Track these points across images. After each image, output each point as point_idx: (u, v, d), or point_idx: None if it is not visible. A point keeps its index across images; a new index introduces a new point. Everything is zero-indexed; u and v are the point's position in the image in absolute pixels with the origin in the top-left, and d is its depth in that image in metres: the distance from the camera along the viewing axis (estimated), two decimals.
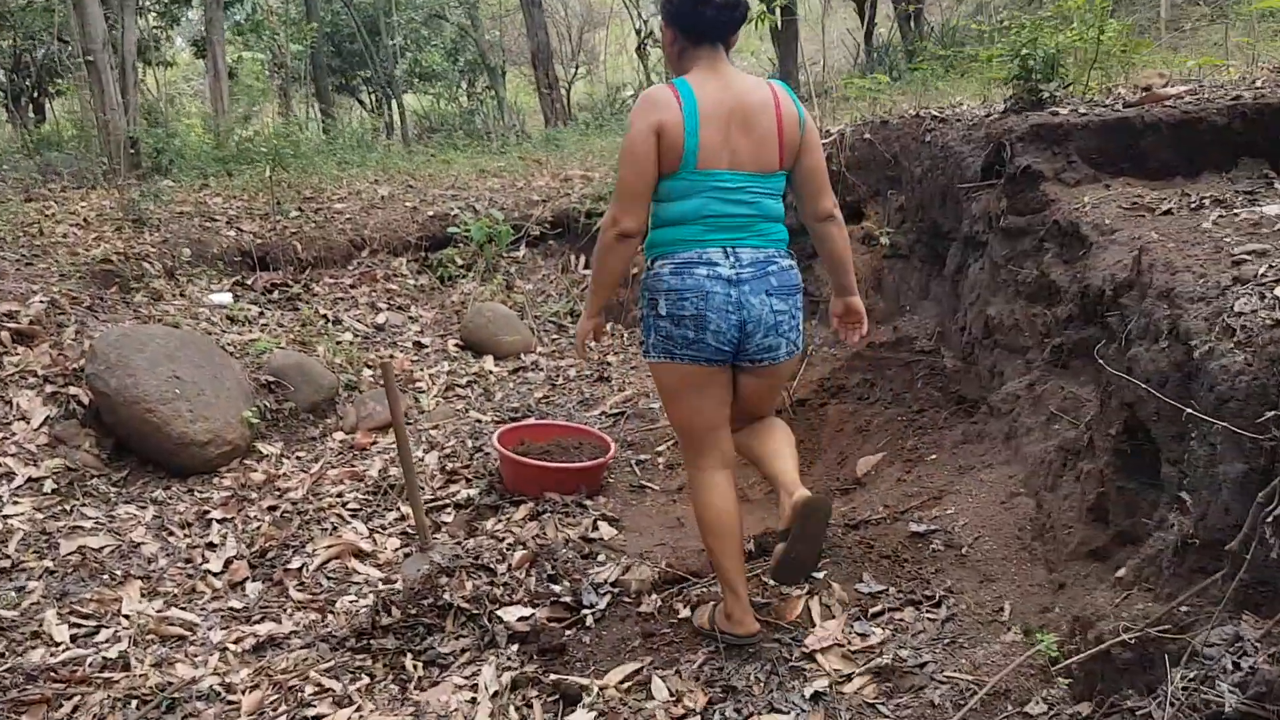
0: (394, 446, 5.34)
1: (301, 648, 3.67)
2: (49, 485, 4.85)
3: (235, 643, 3.75)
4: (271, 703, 3.33)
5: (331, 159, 11.65)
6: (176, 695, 3.38)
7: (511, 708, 3.08)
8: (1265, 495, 2.06)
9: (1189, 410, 2.31)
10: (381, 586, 4.11)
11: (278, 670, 3.50)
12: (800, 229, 3.20)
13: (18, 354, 5.49)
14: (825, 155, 5.65)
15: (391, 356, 6.74)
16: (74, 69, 10.72)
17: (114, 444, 5.27)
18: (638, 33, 17.34)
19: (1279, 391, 2.17)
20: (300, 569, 4.30)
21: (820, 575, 3.34)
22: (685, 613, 3.36)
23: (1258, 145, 3.83)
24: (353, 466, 5.27)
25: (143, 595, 4.14)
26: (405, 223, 8.47)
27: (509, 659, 3.34)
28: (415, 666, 3.41)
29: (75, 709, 3.37)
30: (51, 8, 11.97)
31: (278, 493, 5.00)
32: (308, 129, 17.10)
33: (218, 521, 4.73)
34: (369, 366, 6.53)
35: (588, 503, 4.60)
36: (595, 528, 4.35)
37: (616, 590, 3.59)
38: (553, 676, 3.14)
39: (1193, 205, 3.50)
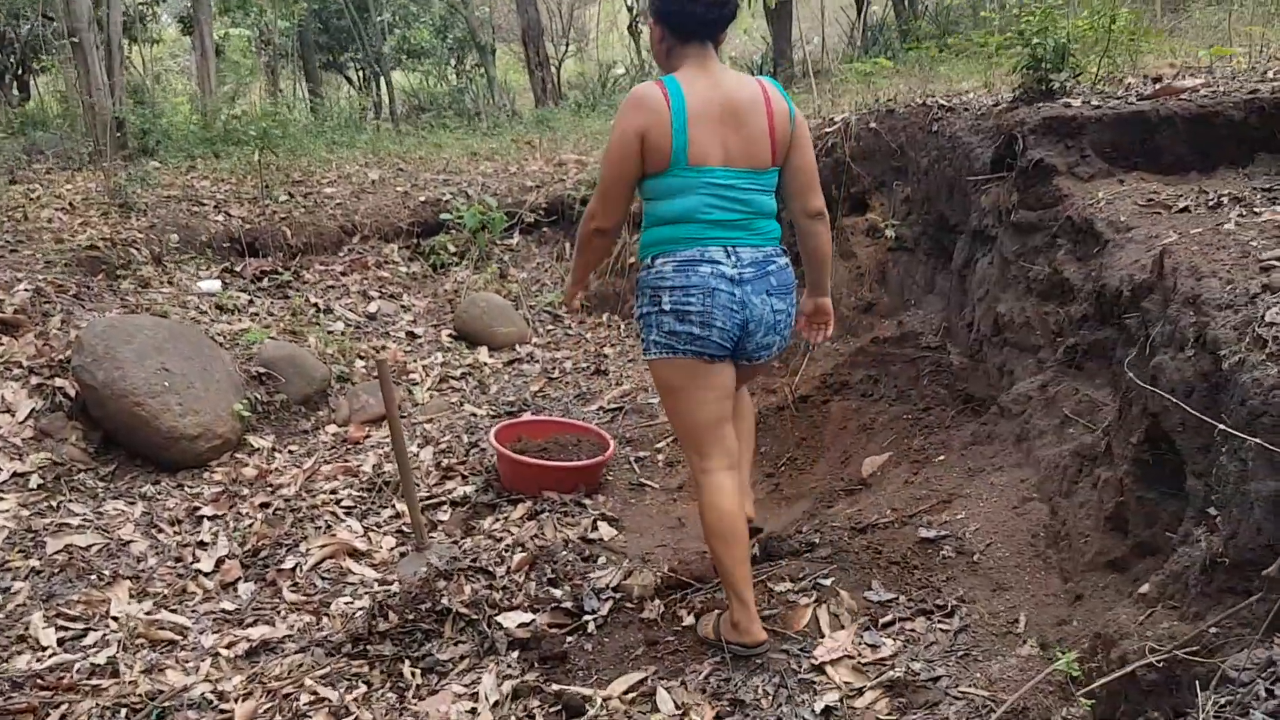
0: (388, 440, 5.25)
1: (296, 653, 3.57)
2: (35, 480, 4.74)
3: (227, 647, 3.66)
4: (265, 711, 3.25)
5: (320, 140, 11.50)
6: (167, 704, 3.29)
7: (513, 718, 3.00)
8: None
9: (1221, 426, 2.23)
10: (377, 588, 4.02)
11: (271, 677, 3.41)
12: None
13: (2, 344, 5.37)
14: (830, 144, 5.61)
15: (384, 347, 6.63)
16: (59, 49, 10.51)
17: (101, 437, 5.15)
18: (629, 10, 17.16)
19: None
20: (294, 569, 4.20)
21: (828, 582, 3.26)
22: (689, 620, 3.28)
23: (1275, 141, 3.75)
24: (346, 461, 5.17)
25: (132, 596, 4.04)
26: (396, 208, 8.33)
27: (509, 667, 3.26)
28: (413, 674, 3.32)
29: (63, 718, 3.28)
30: None
31: (270, 489, 4.90)
32: (295, 108, 16.91)
33: (208, 519, 4.63)
34: (361, 357, 6.42)
35: (587, 502, 4.52)
36: (595, 528, 4.27)
37: (618, 595, 3.51)
38: (555, 686, 3.06)
39: (1211, 203, 3.42)
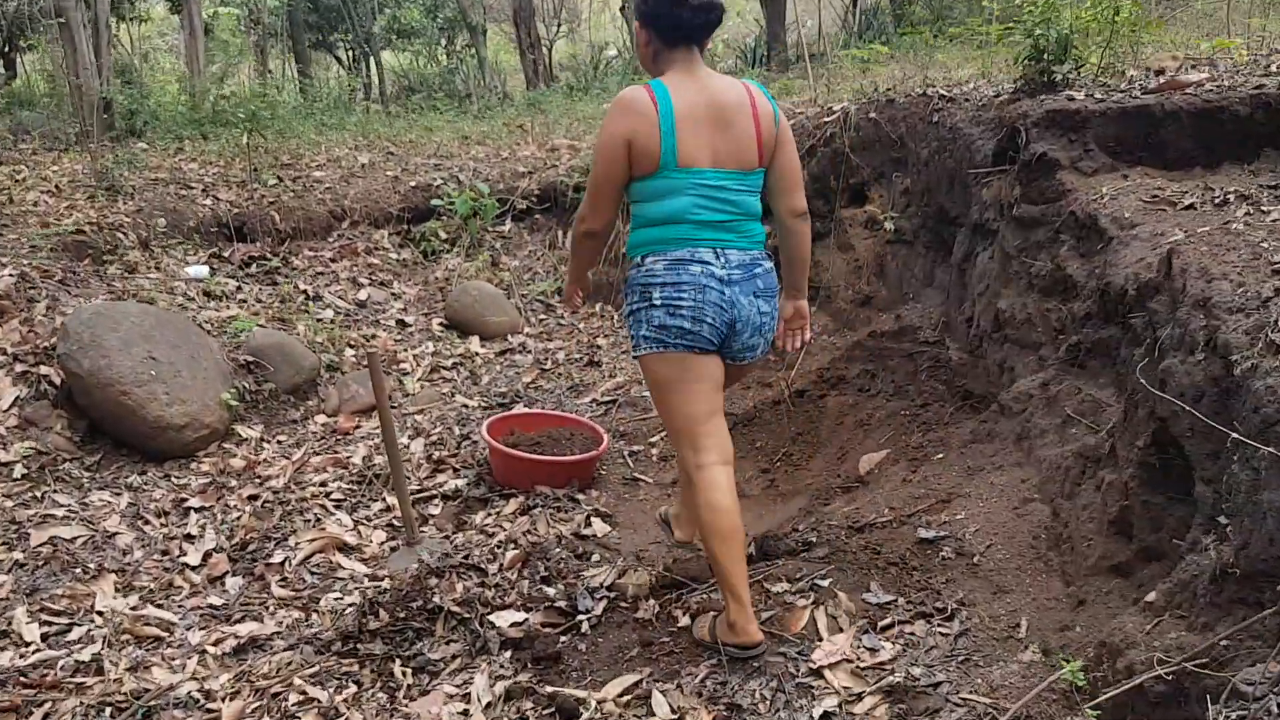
0: (378, 431, 5.18)
1: (285, 650, 3.52)
2: (19, 470, 4.67)
3: (215, 644, 3.60)
4: (254, 711, 3.19)
5: (309, 122, 11.37)
6: (153, 703, 3.23)
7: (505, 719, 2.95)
8: None
9: (1235, 435, 2.18)
10: (367, 583, 3.96)
11: (259, 675, 3.35)
12: None
13: None
14: (829, 134, 5.54)
15: (374, 336, 6.55)
16: (45, 28, 10.36)
17: (87, 426, 5.08)
18: None
19: None
20: (282, 563, 4.14)
21: (826, 583, 3.21)
22: (685, 621, 3.23)
23: None
24: (335, 453, 5.10)
25: (118, 590, 3.98)
26: (386, 193, 8.24)
27: (502, 667, 3.21)
28: (404, 673, 3.27)
29: (46, 716, 3.22)
30: None
31: (258, 480, 4.83)
32: (284, 89, 16.73)
33: (195, 511, 4.57)
34: (351, 346, 6.35)
35: (580, 497, 4.46)
36: (588, 523, 4.22)
37: (613, 595, 3.45)
38: (548, 688, 3.00)
39: (1217, 201, 3.37)
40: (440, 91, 17.47)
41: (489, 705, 3.02)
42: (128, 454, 5.04)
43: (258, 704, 3.22)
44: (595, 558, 3.84)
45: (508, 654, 3.26)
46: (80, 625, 3.72)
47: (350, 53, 22.21)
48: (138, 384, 4.92)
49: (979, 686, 2.64)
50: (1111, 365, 3.28)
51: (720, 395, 3.10)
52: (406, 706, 3.10)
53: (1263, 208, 3.15)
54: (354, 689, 3.22)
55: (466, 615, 3.45)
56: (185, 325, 5.53)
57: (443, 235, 7.89)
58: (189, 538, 4.36)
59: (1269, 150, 3.70)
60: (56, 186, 7.67)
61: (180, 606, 3.87)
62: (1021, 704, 2.46)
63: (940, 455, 3.88)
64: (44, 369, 5.14)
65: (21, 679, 3.37)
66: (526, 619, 3.40)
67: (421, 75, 20.41)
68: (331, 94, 16.46)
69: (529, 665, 3.17)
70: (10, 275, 5.78)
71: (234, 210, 7.53)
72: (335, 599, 3.85)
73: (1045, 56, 4.40)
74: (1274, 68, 4.37)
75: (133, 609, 3.83)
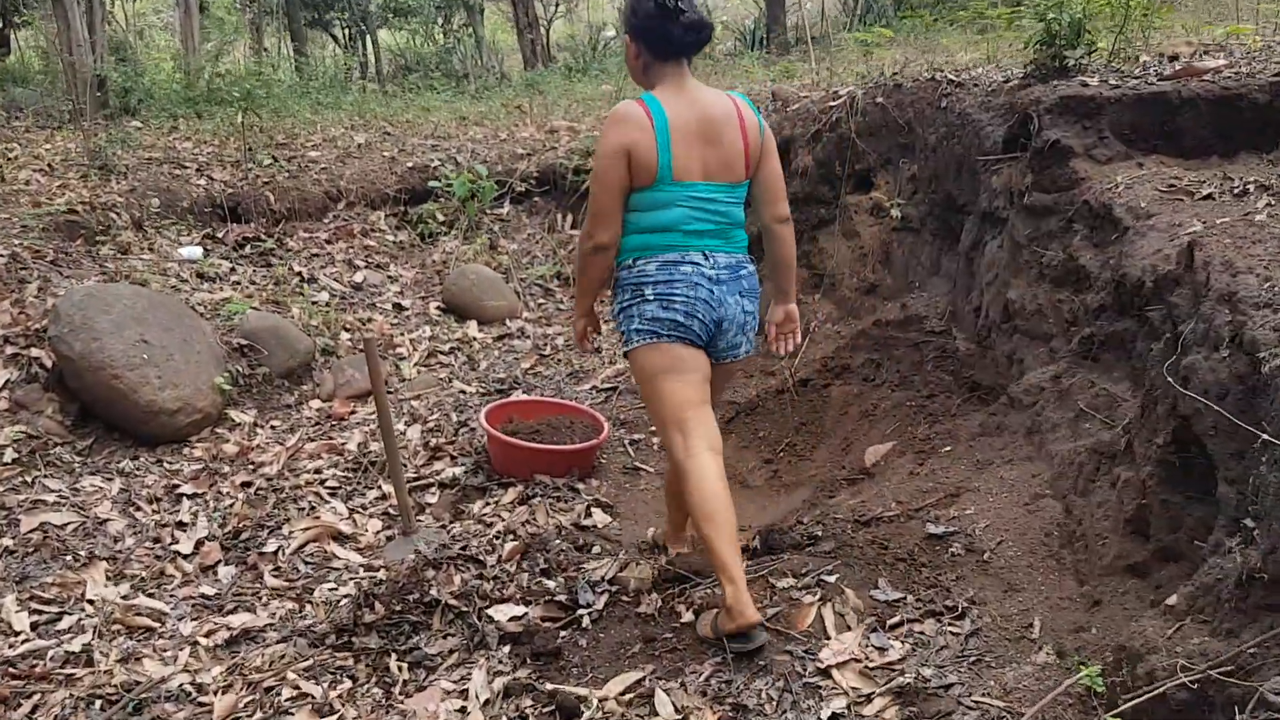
0: (374, 417, 5.11)
1: (278, 642, 3.45)
2: (9, 454, 4.59)
3: (207, 635, 3.53)
4: (246, 705, 3.12)
5: (305, 101, 11.24)
6: (144, 696, 3.16)
7: (504, 719, 2.88)
8: None
9: (1265, 437, 2.10)
10: (362, 574, 3.89)
11: (252, 668, 3.29)
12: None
13: None
14: (835, 119, 5.45)
15: (370, 319, 6.46)
16: (39, 4, 10.22)
17: (79, 410, 4.99)
18: None
19: None
20: (276, 552, 4.07)
21: (833, 579, 3.14)
22: (688, 616, 3.15)
23: None
24: (330, 439, 5.02)
25: (109, 579, 3.91)
26: (383, 174, 8.12)
27: (500, 662, 3.13)
28: (400, 668, 3.20)
29: (35, 709, 3.16)
30: None
31: (251, 467, 4.75)
32: (280, 67, 16.57)
33: (188, 497, 4.49)
34: (347, 329, 6.25)
35: (580, 486, 4.38)
36: (589, 514, 4.15)
37: (614, 588, 3.37)
38: (549, 685, 2.93)
39: (1236, 190, 3.30)
40: (437, 71, 17.32)
41: (487, 702, 2.95)
42: (120, 438, 4.95)
43: (250, 698, 3.15)
44: (596, 549, 3.77)
45: (506, 649, 3.18)
46: (70, 614, 3.66)
47: (346, 31, 22.01)
48: (130, 367, 4.83)
49: (992, 689, 2.57)
50: (1127, 359, 3.21)
51: (708, 389, 3.17)
52: (402, 703, 3.03)
53: None
54: (348, 684, 3.16)
55: (464, 608, 3.38)
56: (178, 307, 5.44)
57: (440, 217, 7.78)
58: (181, 525, 4.29)
59: None
60: (49, 165, 7.57)
61: (172, 596, 3.80)
62: (1038, 708, 2.40)
63: (948, 448, 3.80)
64: (35, 351, 5.05)
65: (10, 670, 3.31)
66: (526, 613, 3.33)
67: (418, 54, 20.24)
68: (327, 73, 16.31)
69: (528, 661, 3.10)
70: (1, 255, 5.69)
71: (228, 190, 7.42)
72: (329, 590, 3.78)
73: (1057, 41, 4.30)
74: None
75: (124, 598, 3.76)
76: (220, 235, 7.03)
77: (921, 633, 2.87)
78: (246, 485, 4.57)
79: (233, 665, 3.32)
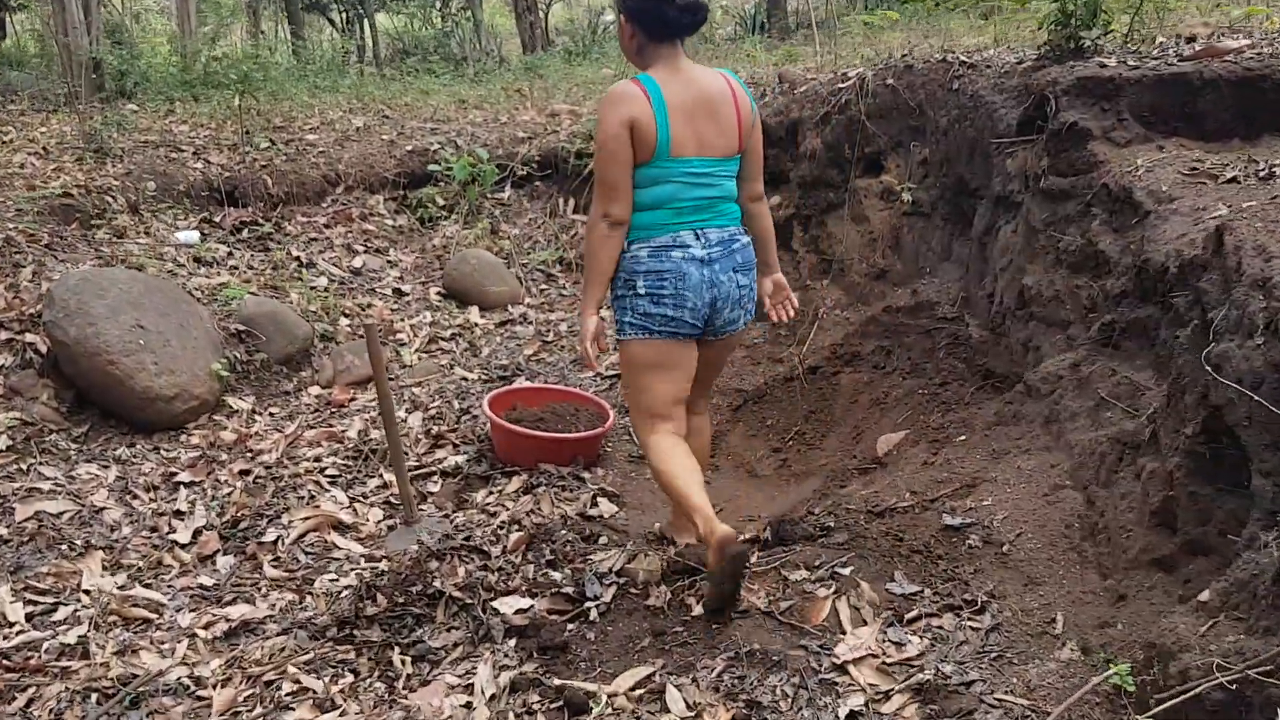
0: (374, 404, 5.03)
1: (278, 635, 3.37)
2: (3, 441, 4.50)
3: (205, 627, 3.46)
4: (246, 699, 3.05)
5: (303, 84, 11.12)
6: (141, 689, 3.09)
7: (511, 714, 2.80)
8: None
9: None
10: (363, 564, 3.81)
11: (252, 661, 3.21)
12: None
13: None
14: (844, 101, 5.35)
15: (370, 305, 6.36)
16: None
17: (74, 396, 4.91)
18: None
19: None
20: (275, 542, 3.99)
21: (847, 571, 3.06)
22: (698, 609, 3.07)
23: None
24: (330, 426, 4.93)
25: (105, 569, 3.83)
26: (382, 157, 8.00)
27: (506, 656, 3.05)
28: (403, 662, 3.12)
29: (30, 702, 3.08)
30: None
31: (250, 454, 4.66)
32: (277, 50, 16.44)
33: (185, 485, 4.41)
34: (346, 315, 6.16)
35: (585, 475, 4.30)
36: (594, 503, 4.06)
37: (622, 580, 3.29)
38: (556, 681, 2.85)
39: (1261, 174, 3.21)
40: (435, 55, 17.18)
41: (493, 697, 2.87)
42: (116, 425, 4.87)
43: (250, 692, 3.08)
44: (602, 540, 3.68)
45: (512, 642, 3.10)
46: (66, 605, 3.58)
47: (344, 14, 21.86)
48: (125, 353, 4.74)
49: (1015, 686, 2.50)
50: (1150, 346, 3.12)
51: (690, 383, 3.31)
52: (406, 698, 2.95)
53: None
54: (350, 678, 3.08)
55: (469, 601, 3.30)
56: (175, 292, 5.35)
57: (440, 202, 7.66)
58: (178, 514, 4.21)
59: None
60: (44, 148, 7.47)
61: (170, 586, 3.73)
62: (1064, 707, 2.32)
63: (963, 437, 3.72)
64: (29, 336, 4.96)
65: (4, 662, 3.23)
66: (532, 605, 3.24)
67: (416, 38, 20.08)
68: (325, 56, 16.17)
69: (534, 655, 3.02)
70: None
71: (225, 174, 7.31)
72: (330, 580, 3.71)
73: (1073, 21, 4.21)
74: None
75: (120, 588, 3.69)
76: (217, 219, 6.93)
77: (940, 627, 2.79)
78: (245, 473, 4.49)
79: (232, 658, 3.25)
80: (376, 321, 6.02)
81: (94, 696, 3.07)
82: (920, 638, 2.76)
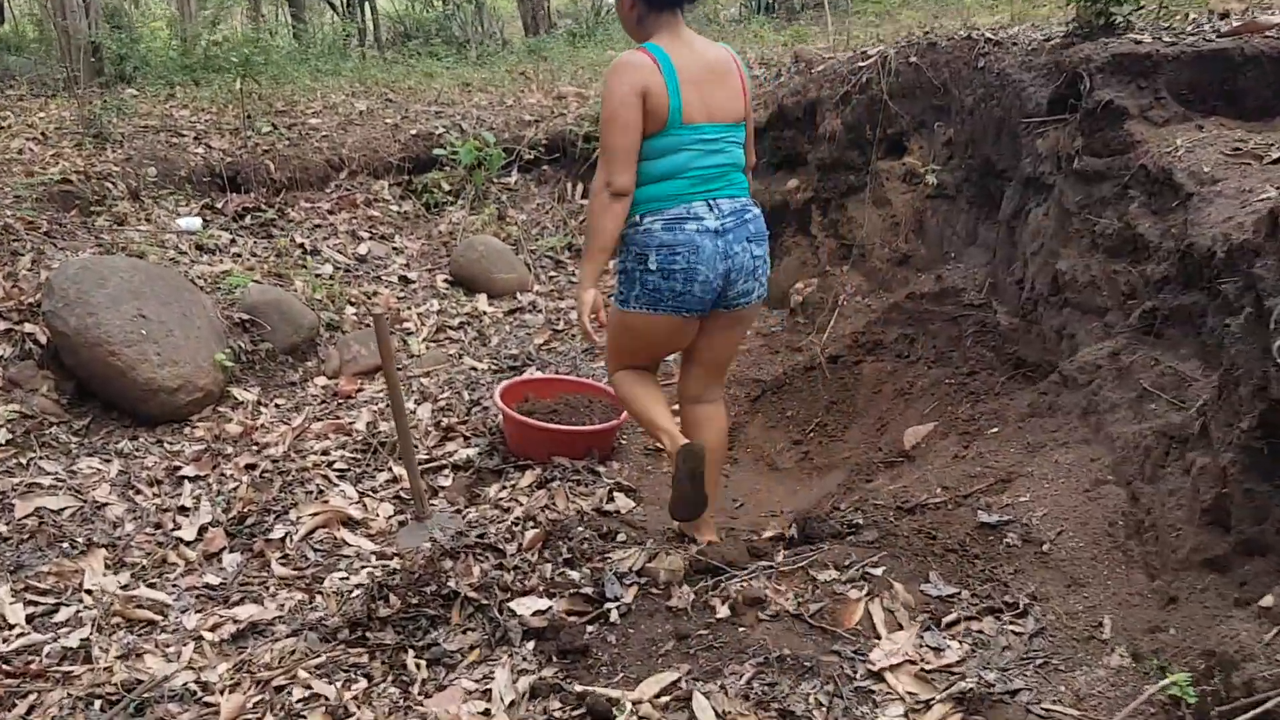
0: (382, 395, 4.91)
1: (287, 637, 3.26)
2: (3, 435, 4.39)
3: (212, 629, 3.34)
4: (254, 705, 2.93)
5: (304, 68, 10.96)
6: (146, 695, 2.98)
7: None
8: None
9: None
10: (375, 562, 3.70)
11: (260, 665, 3.10)
12: None
13: None
14: (865, 80, 5.19)
15: (376, 293, 6.23)
16: None
17: (75, 387, 4.79)
18: None
19: None
20: (283, 539, 3.88)
21: (879, 572, 2.93)
22: (723, 611, 2.95)
23: None
24: (337, 418, 4.81)
25: (108, 567, 3.73)
26: (386, 142, 7.85)
27: (525, 659, 2.93)
28: (418, 666, 3.00)
29: (31, 709, 2.97)
30: None
31: (256, 448, 4.54)
32: (278, 34, 16.26)
33: (190, 480, 4.30)
34: (352, 303, 6.03)
35: (600, 469, 4.17)
36: (610, 499, 3.94)
37: (643, 580, 3.17)
38: (578, 687, 2.73)
39: None
40: (437, 38, 16.97)
41: (512, 704, 2.75)
42: (118, 417, 4.76)
43: (259, 698, 2.96)
44: (621, 537, 3.55)
45: (531, 645, 2.98)
46: (68, 605, 3.48)
47: None
48: (127, 344, 4.62)
49: (1063, 695, 2.38)
50: (1195, 335, 2.99)
51: (675, 353, 3.48)
52: (422, 704, 2.83)
53: None
54: (364, 683, 2.96)
55: (485, 601, 3.17)
56: (177, 281, 5.22)
57: (446, 186, 7.51)
58: (183, 510, 4.10)
59: None
60: (43, 134, 7.34)
61: (174, 586, 3.62)
62: (1119, 719, 2.20)
63: (995, 429, 3.58)
64: (28, 327, 4.84)
65: (4, 666, 3.11)
66: (550, 606, 3.12)
67: (418, 21, 19.84)
68: (326, 39, 15.97)
69: (554, 659, 2.90)
70: None
71: (227, 159, 7.17)
72: (340, 579, 3.60)
73: None
74: None
75: (124, 588, 3.58)
76: (219, 205, 6.80)
77: (980, 632, 2.67)
78: (251, 467, 4.37)
79: (240, 662, 3.13)
80: (385, 311, 5.88)
81: (97, 703, 2.97)
82: (960, 643, 2.64)
